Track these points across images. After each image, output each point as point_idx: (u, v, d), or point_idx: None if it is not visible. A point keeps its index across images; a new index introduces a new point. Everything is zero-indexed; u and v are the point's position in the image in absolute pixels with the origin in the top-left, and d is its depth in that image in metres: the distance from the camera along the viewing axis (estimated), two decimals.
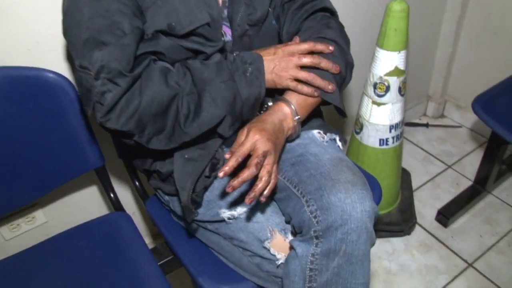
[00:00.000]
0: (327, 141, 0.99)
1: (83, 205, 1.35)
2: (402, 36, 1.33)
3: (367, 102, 1.47)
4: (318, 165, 0.89)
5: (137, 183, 1.21)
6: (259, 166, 0.78)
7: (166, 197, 1.05)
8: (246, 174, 0.77)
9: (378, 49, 1.38)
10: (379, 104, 1.44)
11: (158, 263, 1.05)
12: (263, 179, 0.79)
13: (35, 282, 1.01)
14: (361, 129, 1.53)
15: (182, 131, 0.84)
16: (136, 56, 0.80)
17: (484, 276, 1.55)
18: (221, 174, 0.77)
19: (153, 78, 0.81)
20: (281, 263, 0.91)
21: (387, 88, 1.41)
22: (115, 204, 1.20)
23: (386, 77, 1.39)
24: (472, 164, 1.98)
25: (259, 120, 0.86)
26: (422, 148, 2.06)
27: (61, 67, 1.11)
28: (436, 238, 1.68)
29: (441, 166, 1.97)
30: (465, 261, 1.60)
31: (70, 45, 0.81)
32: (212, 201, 0.96)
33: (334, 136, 1.02)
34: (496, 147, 1.64)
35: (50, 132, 1.06)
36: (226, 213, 0.94)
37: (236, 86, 0.86)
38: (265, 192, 0.80)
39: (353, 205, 0.80)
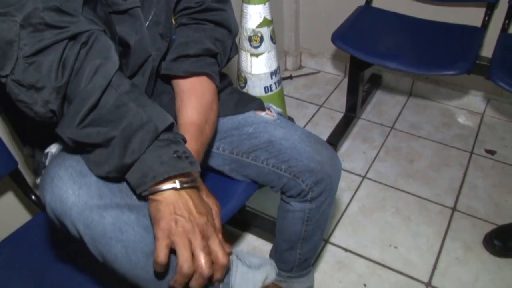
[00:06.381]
0: (278, 118, 1.03)
1: None
2: None
3: (245, 56, 1.60)
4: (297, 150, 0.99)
5: None
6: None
7: None
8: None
9: (245, 5, 1.51)
10: (257, 55, 1.58)
11: None
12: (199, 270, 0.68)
13: None
14: (245, 82, 1.66)
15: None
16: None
17: (376, 181, 1.81)
18: None
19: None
20: None
21: (261, 39, 1.55)
22: (40, 204, 1.13)
23: (258, 29, 1.53)
24: (338, 99, 2.25)
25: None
26: (293, 97, 2.28)
27: None
28: None
29: (314, 108, 2.21)
30: (359, 175, 1.84)
31: None
32: None
33: (277, 109, 1.08)
34: (356, 74, 1.90)
35: None
36: None
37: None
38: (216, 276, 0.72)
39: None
